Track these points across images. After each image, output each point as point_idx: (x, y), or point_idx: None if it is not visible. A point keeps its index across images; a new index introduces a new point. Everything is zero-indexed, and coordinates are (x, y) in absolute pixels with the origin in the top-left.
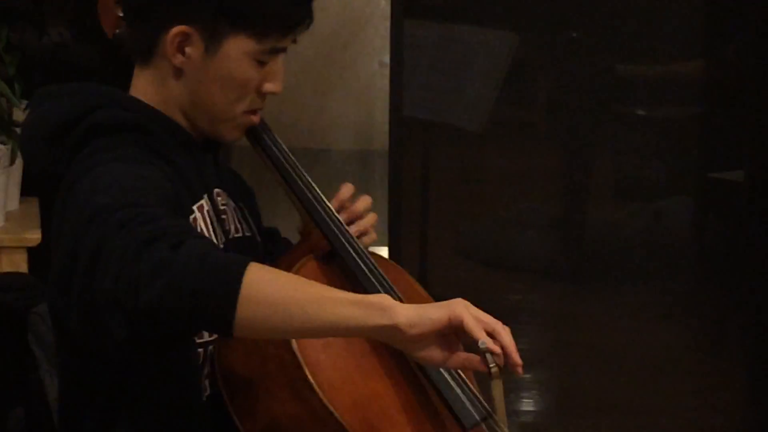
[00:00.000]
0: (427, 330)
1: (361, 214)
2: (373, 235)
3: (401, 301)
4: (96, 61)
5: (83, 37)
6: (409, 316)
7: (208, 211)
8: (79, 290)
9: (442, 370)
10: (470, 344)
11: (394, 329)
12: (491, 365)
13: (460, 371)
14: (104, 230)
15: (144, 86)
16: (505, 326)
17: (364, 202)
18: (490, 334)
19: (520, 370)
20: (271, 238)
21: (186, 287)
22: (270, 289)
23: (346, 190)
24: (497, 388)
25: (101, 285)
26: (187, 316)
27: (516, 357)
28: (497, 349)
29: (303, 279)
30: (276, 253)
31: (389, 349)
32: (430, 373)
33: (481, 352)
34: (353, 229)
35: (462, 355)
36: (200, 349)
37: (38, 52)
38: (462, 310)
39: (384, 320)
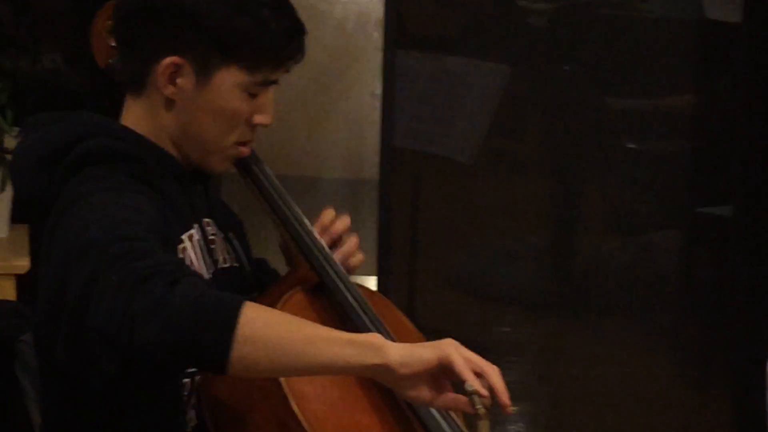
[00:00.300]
0: (418, 370)
1: (340, 236)
2: (359, 256)
3: (389, 335)
4: (88, 89)
5: (76, 65)
6: (401, 355)
7: (198, 240)
8: (67, 321)
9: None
10: (460, 384)
11: (385, 368)
12: (478, 406)
13: None
14: (97, 264)
15: (135, 116)
16: (494, 366)
17: (343, 223)
18: (479, 375)
19: (509, 410)
20: (260, 269)
21: (182, 327)
22: (265, 330)
23: (328, 214)
24: (484, 429)
25: (94, 319)
26: (181, 355)
27: (505, 398)
28: (484, 391)
29: (297, 318)
30: (265, 284)
31: (375, 382)
32: (417, 408)
33: (468, 394)
34: (337, 255)
35: (450, 396)
36: (187, 380)
37: (31, 79)
38: (452, 350)
39: (376, 359)
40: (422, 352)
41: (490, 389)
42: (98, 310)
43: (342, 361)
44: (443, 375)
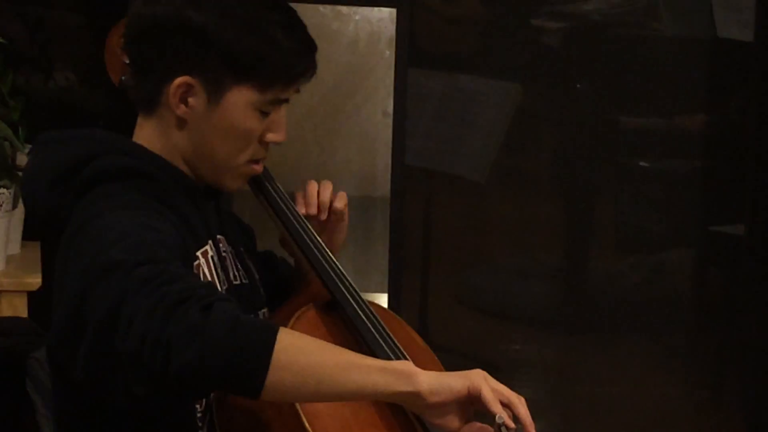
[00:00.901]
0: (447, 399)
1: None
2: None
3: (400, 351)
4: (102, 107)
5: (90, 82)
6: (431, 384)
7: (212, 257)
8: (91, 342)
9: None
10: (483, 412)
11: (416, 396)
12: None
13: None
14: (123, 286)
15: (147, 134)
16: (520, 397)
17: (325, 189)
18: (506, 406)
19: None
20: (268, 263)
21: (219, 353)
22: (300, 356)
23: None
24: None
25: (124, 342)
26: (217, 380)
27: (531, 429)
28: (512, 424)
29: (330, 345)
30: (276, 298)
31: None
32: (428, 426)
33: (496, 426)
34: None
35: (476, 426)
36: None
37: (44, 96)
38: (481, 381)
39: (407, 387)
40: (452, 382)
41: (515, 419)
42: (129, 334)
43: (373, 387)
44: (470, 404)
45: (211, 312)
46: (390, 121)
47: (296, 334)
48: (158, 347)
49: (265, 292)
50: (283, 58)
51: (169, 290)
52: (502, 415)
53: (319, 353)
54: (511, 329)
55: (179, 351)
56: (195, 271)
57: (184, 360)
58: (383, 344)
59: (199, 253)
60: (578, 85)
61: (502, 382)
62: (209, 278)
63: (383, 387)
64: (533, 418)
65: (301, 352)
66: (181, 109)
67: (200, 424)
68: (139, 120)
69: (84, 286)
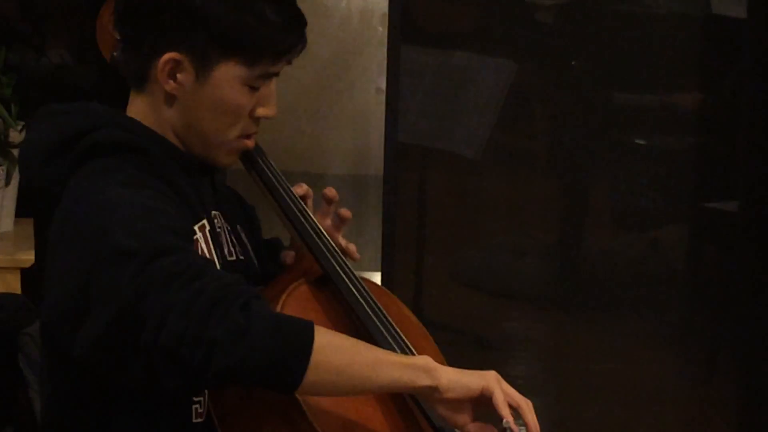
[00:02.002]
0: (462, 396)
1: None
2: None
3: (393, 327)
4: (95, 84)
5: (83, 59)
6: (449, 380)
7: (209, 231)
8: (103, 330)
9: None
10: (492, 413)
11: (434, 390)
12: None
13: None
14: (145, 280)
15: (139, 110)
16: (529, 402)
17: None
18: (514, 409)
19: None
20: (275, 249)
21: (262, 354)
22: (335, 355)
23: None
24: None
25: (156, 339)
26: (257, 380)
27: None
28: (517, 429)
29: (361, 342)
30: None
31: None
32: (431, 415)
33: (502, 429)
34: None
35: (480, 426)
36: None
37: (36, 73)
38: (495, 384)
39: (428, 381)
40: (468, 380)
41: (525, 425)
42: (164, 331)
43: (398, 382)
44: (481, 404)
45: (251, 312)
46: (383, 98)
47: (330, 332)
48: (199, 346)
49: (262, 271)
50: (271, 32)
51: (202, 287)
52: (508, 420)
53: (351, 351)
54: (505, 307)
55: (225, 352)
56: (193, 246)
57: (229, 360)
58: (375, 319)
59: (196, 227)
60: (573, 63)
61: (496, 360)
62: (206, 254)
63: (407, 382)
64: (528, 394)
65: (336, 351)
66: (170, 85)
67: (191, 400)
68: (131, 96)
69: (90, 268)
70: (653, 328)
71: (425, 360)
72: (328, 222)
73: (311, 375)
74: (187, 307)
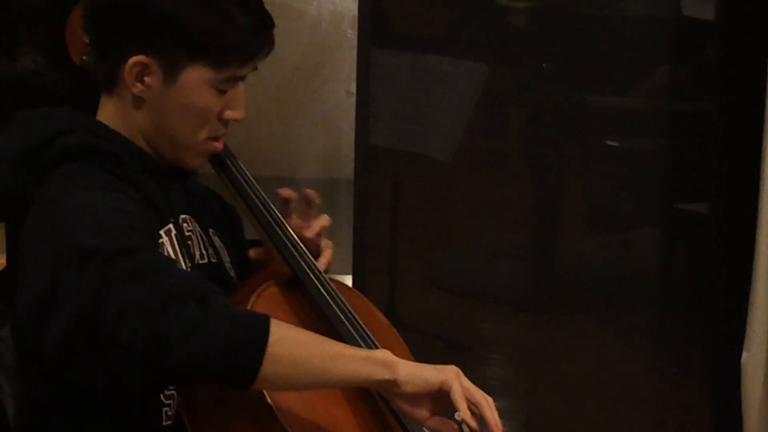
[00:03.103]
0: (420, 390)
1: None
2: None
3: (362, 327)
4: (68, 89)
5: (56, 65)
6: (408, 373)
7: (175, 235)
8: (69, 329)
9: None
10: (451, 409)
11: (392, 383)
12: None
13: None
14: (105, 276)
15: (109, 113)
16: (489, 399)
17: (323, 220)
18: (475, 406)
19: None
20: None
21: (217, 348)
22: (291, 348)
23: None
24: None
25: (114, 335)
26: (212, 374)
27: (496, 430)
28: (473, 424)
29: (319, 336)
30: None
31: None
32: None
33: (457, 422)
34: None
35: (439, 420)
36: None
37: (9, 78)
38: (453, 378)
39: (386, 375)
40: (427, 374)
41: (485, 422)
42: (122, 327)
43: (356, 376)
44: (441, 399)
45: (207, 306)
46: (354, 101)
47: (287, 325)
48: (154, 341)
49: (245, 271)
50: (238, 35)
51: (159, 283)
52: (461, 413)
53: (309, 344)
54: (479, 308)
55: (179, 345)
56: (159, 248)
57: (185, 354)
58: (344, 320)
59: (162, 232)
60: (544, 65)
61: (470, 361)
62: (172, 256)
63: (365, 375)
64: (501, 395)
65: (293, 343)
66: (138, 88)
67: (162, 402)
68: (102, 99)
69: (56, 268)
70: (625, 329)
71: (384, 354)
72: (304, 224)
73: (267, 367)
74: (143, 303)
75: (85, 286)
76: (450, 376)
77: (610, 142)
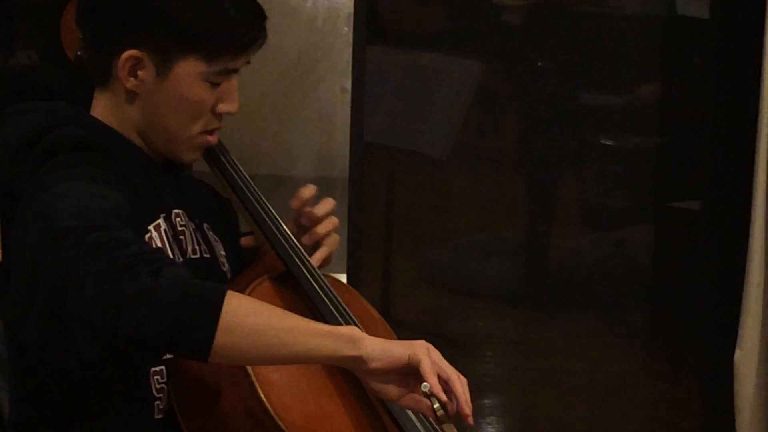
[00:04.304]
0: (387, 365)
1: (320, 219)
2: (335, 237)
3: (355, 323)
4: (64, 84)
5: (52, 61)
6: (374, 349)
7: (165, 230)
8: (42, 307)
9: None
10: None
11: (359, 360)
12: (435, 406)
13: None
14: (75, 253)
15: (103, 108)
16: (460, 375)
17: (326, 205)
18: (445, 382)
19: (470, 420)
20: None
21: (167, 315)
22: (248, 319)
23: (307, 191)
24: (448, 428)
25: (75, 307)
26: (165, 342)
27: (465, 407)
28: (443, 396)
29: (279, 309)
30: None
31: (341, 369)
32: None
33: (426, 395)
34: (313, 236)
35: (415, 396)
36: (160, 367)
37: (5, 74)
38: (422, 352)
39: (352, 351)
40: (394, 349)
41: (456, 398)
42: (80, 298)
43: (320, 351)
44: (412, 375)
45: (160, 275)
46: (349, 98)
47: (245, 297)
48: (108, 310)
49: (241, 263)
50: (230, 28)
51: (119, 255)
52: (428, 384)
53: (267, 316)
54: (472, 305)
55: (128, 312)
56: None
57: (133, 321)
58: (338, 316)
59: (151, 227)
60: (539, 63)
61: (464, 359)
62: None
63: (329, 351)
64: (495, 392)
65: (249, 314)
66: (131, 82)
67: (158, 396)
68: (95, 94)
69: (36, 253)
70: (619, 326)
71: (350, 329)
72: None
73: (222, 338)
74: (101, 275)
75: (56, 265)
76: (418, 350)
77: (604, 141)
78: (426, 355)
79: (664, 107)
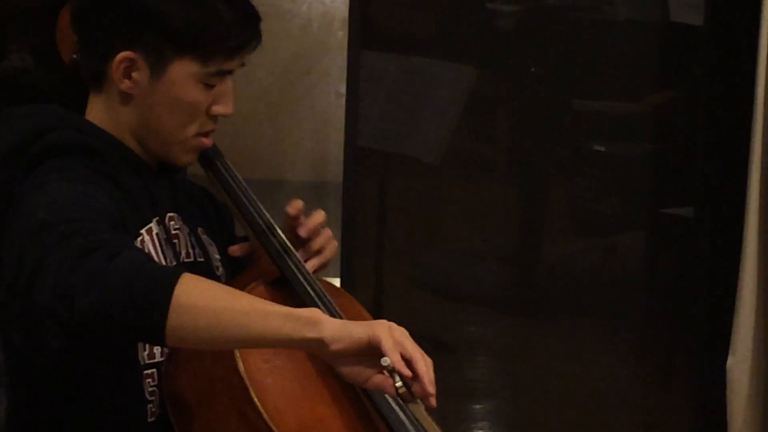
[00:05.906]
0: (348, 346)
1: (313, 231)
2: (334, 243)
3: None
4: (58, 87)
5: (46, 64)
6: (334, 330)
7: (157, 234)
8: (19, 303)
9: (386, 396)
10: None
11: (319, 342)
12: (398, 384)
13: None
14: (46, 244)
15: (97, 111)
16: (423, 353)
17: (318, 217)
18: (408, 361)
19: (432, 401)
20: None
21: (119, 296)
22: (201, 299)
23: (293, 209)
24: (417, 412)
25: (39, 297)
26: (120, 325)
27: (427, 387)
28: (405, 370)
29: (237, 291)
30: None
31: (335, 373)
32: (375, 400)
33: (389, 372)
34: (311, 246)
35: (379, 377)
36: (152, 370)
37: None
38: (382, 331)
39: (312, 333)
40: (355, 330)
41: (418, 377)
42: (43, 287)
43: (278, 333)
44: (377, 357)
45: (115, 259)
46: (343, 102)
47: (200, 278)
48: (65, 295)
49: (235, 268)
50: (224, 29)
51: (80, 241)
52: (387, 359)
53: (222, 297)
54: (464, 311)
55: (81, 296)
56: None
57: (86, 304)
58: None
59: (143, 231)
60: (532, 69)
61: (456, 364)
62: (153, 255)
63: (288, 333)
64: (487, 398)
65: (203, 295)
66: (125, 84)
67: (150, 399)
68: (90, 97)
69: (17, 250)
70: (611, 333)
71: (310, 311)
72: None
73: (174, 319)
74: (62, 262)
75: (30, 259)
76: (378, 329)
77: (596, 147)
78: (387, 332)
79: (657, 114)
